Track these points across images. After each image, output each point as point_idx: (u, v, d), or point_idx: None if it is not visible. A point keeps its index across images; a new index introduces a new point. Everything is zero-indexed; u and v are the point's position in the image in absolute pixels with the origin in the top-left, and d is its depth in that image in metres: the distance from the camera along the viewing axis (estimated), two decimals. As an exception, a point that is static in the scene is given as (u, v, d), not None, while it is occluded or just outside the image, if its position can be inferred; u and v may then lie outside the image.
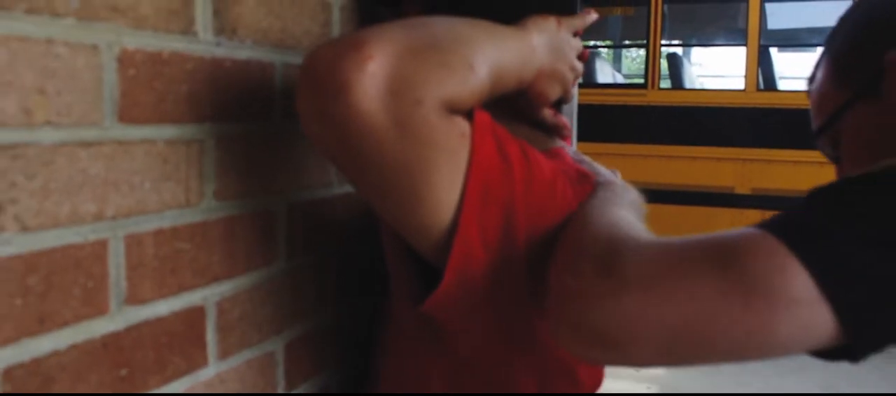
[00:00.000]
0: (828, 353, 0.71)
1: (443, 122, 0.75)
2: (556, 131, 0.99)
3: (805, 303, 0.65)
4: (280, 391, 0.97)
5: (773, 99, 6.73)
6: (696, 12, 7.75)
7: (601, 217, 0.81)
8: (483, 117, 0.81)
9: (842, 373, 5.15)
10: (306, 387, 1.01)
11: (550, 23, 0.91)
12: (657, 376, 5.26)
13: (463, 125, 0.78)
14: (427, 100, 0.73)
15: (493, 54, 0.81)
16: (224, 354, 0.86)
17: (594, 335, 0.69)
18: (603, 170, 1.01)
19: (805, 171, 6.42)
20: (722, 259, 0.67)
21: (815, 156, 6.41)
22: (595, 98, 6.72)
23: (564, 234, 0.81)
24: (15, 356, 0.63)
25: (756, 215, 6.50)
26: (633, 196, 0.94)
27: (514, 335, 0.89)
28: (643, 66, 7.23)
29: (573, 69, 0.95)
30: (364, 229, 1.09)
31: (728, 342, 0.67)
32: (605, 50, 9.35)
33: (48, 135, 0.65)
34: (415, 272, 0.90)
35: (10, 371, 0.63)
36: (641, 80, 7.21)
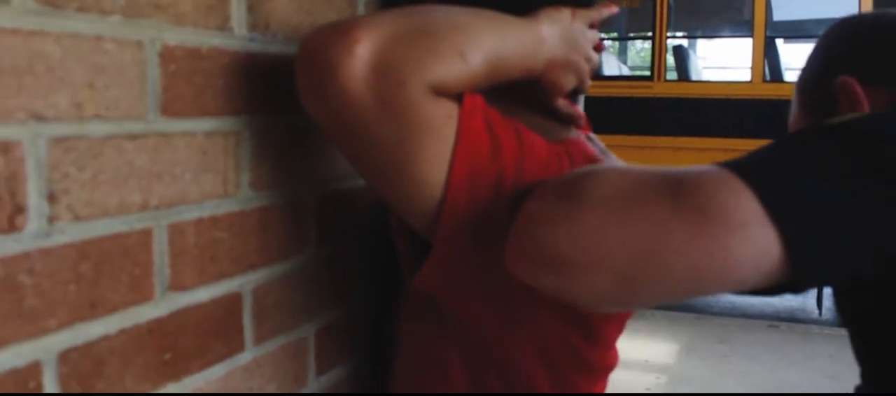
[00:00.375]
0: (773, 289, 0.72)
1: (427, 103, 0.79)
2: (571, 121, 1.01)
3: (754, 224, 0.66)
4: (311, 376, 0.99)
5: (780, 90, 6.73)
6: (702, 4, 7.76)
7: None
8: (473, 100, 0.84)
9: (847, 363, 5.17)
10: (336, 372, 1.04)
11: (564, 14, 0.94)
12: (667, 365, 5.28)
13: (449, 107, 0.81)
14: (410, 81, 0.77)
15: (491, 43, 0.84)
16: (259, 340, 0.89)
17: (549, 257, 0.70)
18: (621, 163, 1.02)
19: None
20: (678, 186, 0.68)
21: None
22: (601, 90, 6.73)
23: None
24: (70, 339, 0.66)
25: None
26: None
27: (508, 310, 0.91)
28: (649, 59, 7.25)
29: (588, 60, 0.97)
30: (386, 218, 1.11)
31: (684, 265, 0.67)
32: (610, 42, 9.36)
33: (97, 129, 0.67)
34: (414, 249, 0.93)
35: (65, 354, 0.66)
36: (648, 73, 7.23)
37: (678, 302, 0.74)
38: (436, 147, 0.81)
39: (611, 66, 7.78)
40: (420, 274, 0.87)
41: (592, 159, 0.97)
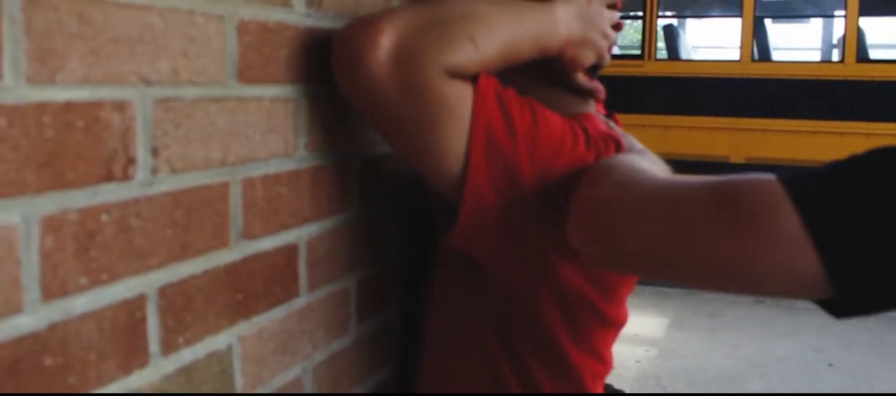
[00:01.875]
0: (824, 304, 0.73)
1: (443, 85, 0.90)
2: (592, 94, 1.10)
3: (789, 241, 0.69)
4: (352, 323, 1.09)
5: (768, 69, 6.86)
6: (692, -16, 7.85)
7: (628, 165, 0.93)
8: (486, 81, 0.95)
9: (833, 336, 5.32)
10: (373, 321, 1.14)
11: None
12: (656, 339, 5.41)
13: (463, 88, 0.92)
14: (426, 66, 0.89)
15: (503, 30, 0.95)
16: (312, 287, 0.99)
17: (598, 230, 0.84)
18: (639, 145, 1.11)
19: (798, 140, 6.56)
20: (722, 190, 0.75)
21: (807, 125, 6.56)
22: (593, 69, 6.81)
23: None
24: (167, 277, 0.76)
25: (751, 183, 6.63)
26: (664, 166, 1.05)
27: (533, 266, 1.01)
28: (640, 38, 7.34)
29: (606, 37, 1.07)
30: (419, 183, 1.21)
31: (710, 260, 0.74)
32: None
33: (190, 92, 0.77)
34: (445, 211, 1.03)
35: (163, 290, 0.75)
36: (638, 52, 7.33)
37: (706, 290, 0.82)
38: (452, 123, 0.92)
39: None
40: (452, 234, 0.98)
41: (606, 133, 1.04)
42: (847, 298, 0.70)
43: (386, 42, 0.88)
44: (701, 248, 0.75)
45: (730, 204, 0.73)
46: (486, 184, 0.94)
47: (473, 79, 0.94)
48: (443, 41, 0.90)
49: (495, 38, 0.94)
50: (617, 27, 1.10)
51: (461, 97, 0.92)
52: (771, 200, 0.71)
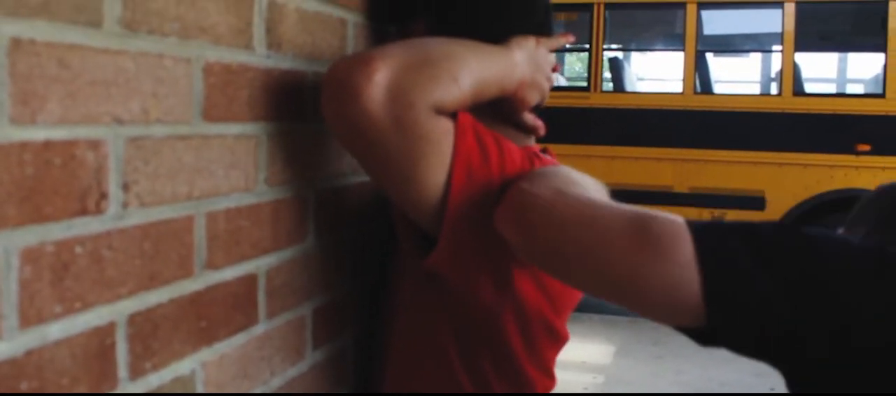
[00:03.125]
0: (691, 332, 0.85)
1: (430, 121, 0.97)
2: (535, 130, 1.20)
3: (681, 266, 0.80)
4: (308, 349, 1.13)
5: (710, 102, 7.04)
6: (636, 18, 8.03)
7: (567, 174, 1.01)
8: (465, 117, 1.03)
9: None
10: (328, 347, 1.18)
11: (530, 41, 1.14)
12: (603, 366, 5.50)
13: (447, 124, 1.00)
14: (418, 103, 0.96)
15: (476, 69, 1.03)
16: (270, 315, 1.03)
17: (528, 224, 0.92)
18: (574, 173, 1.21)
19: (739, 170, 6.74)
20: (638, 218, 0.85)
21: (748, 155, 6.74)
22: (540, 100, 6.92)
23: None
24: (135, 305, 0.80)
25: (694, 213, 6.80)
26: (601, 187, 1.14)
27: (500, 286, 1.08)
28: (586, 70, 7.49)
29: (549, 79, 1.17)
30: (373, 214, 1.26)
31: (613, 273, 0.85)
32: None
33: (158, 130, 0.81)
34: (416, 238, 1.10)
35: (132, 317, 0.79)
36: (584, 84, 7.47)
37: (599, 299, 0.92)
38: (436, 157, 0.99)
39: (549, 76, 7.98)
40: (430, 259, 1.04)
41: (549, 164, 1.14)
42: (715, 329, 0.82)
43: (381, 79, 0.93)
44: (608, 261, 0.85)
45: (641, 229, 0.83)
46: (465, 210, 1.01)
47: (452, 115, 1.01)
48: (431, 80, 0.97)
49: (470, 76, 1.01)
50: (554, 69, 1.19)
51: (446, 132, 0.99)
52: (674, 231, 0.82)
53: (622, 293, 0.87)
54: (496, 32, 1.12)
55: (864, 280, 0.82)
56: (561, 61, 10.49)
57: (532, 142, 1.22)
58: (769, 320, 0.80)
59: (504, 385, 1.13)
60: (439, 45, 1.04)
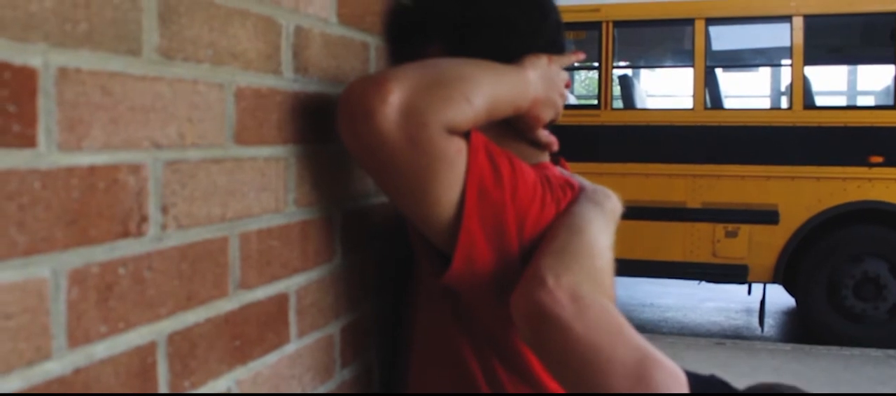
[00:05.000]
0: None
1: (443, 140, 0.99)
2: (548, 147, 1.22)
3: None
4: (336, 367, 1.15)
5: (720, 117, 7.05)
6: (645, 35, 8.06)
7: (589, 245, 1.04)
8: (478, 137, 1.05)
9: (790, 374, 5.44)
10: (356, 365, 1.20)
11: (542, 60, 1.17)
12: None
13: (460, 143, 1.02)
14: (431, 123, 0.98)
15: (489, 89, 1.06)
16: (301, 333, 1.05)
17: (535, 332, 0.97)
18: (587, 183, 1.23)
19: (751, 185, 6.74)
20: (644, 364, 0.91)
21: (759, 170, 6.75)
22: (551, 119, 6.94)
23: (554, 235, 1.05)
24: (174, 325, 0.82)
25: (707, 228, 6.80)
26: (612, 204, 1.16)
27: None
28: (596, 88, 7.51)
29: (562, 96, 1.19)
30: (395, 232, 1.28)
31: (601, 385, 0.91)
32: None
33: (194, 154, 0.84)
34: (432, 255, 1.12)
35: (171, 337, 0.81)
36: (595, 102, 7.49)
37: None
38: (450, 175, 1.01)
39: (559, 95, 8.00)
40: (446, 275, 1.06)
41: (562, 181, 1.17)
42: None
43: (395, 99, 0.96)
44: (600, 389, 0.91)
45: (644, 377, 0.89)
46: (478, 229, 1.03)
47: (465, 134, 1.03)
48: (444, 100, 0.99)
49: (483, 96, 1.03)
50: (566, 85, 1.21)
51: (458, 151, 1.01)
52: (675, 386, 0.89)
53: None
54: (509, 52, 1.15)
55: None
56: (570, 79, 10.55)
57: (545, 158, 1.25)
58: None
59: (521, 389, 1.14)
60: (453, 66, 1.07)
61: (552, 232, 1.06)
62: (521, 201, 1.06)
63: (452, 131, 1.01)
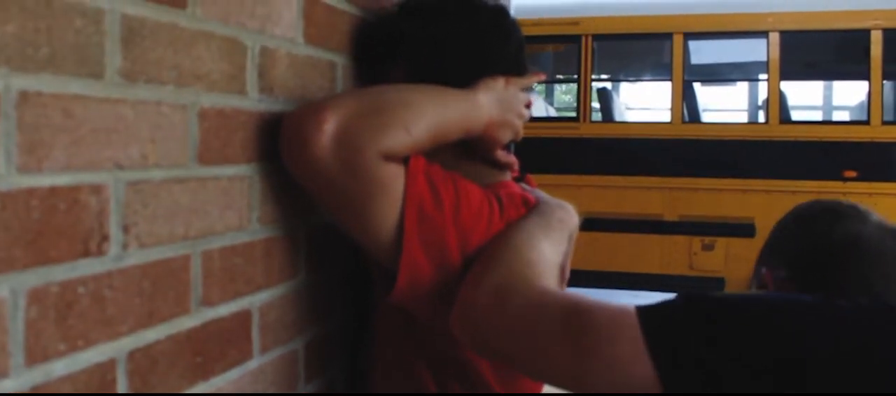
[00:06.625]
0: None
1: (379, 167, 1.02)
2: (507, 168, 1.24)
3: (628, 360, 0.86)
4: (301, 383, 1.17)
5: (697, 130, 7.11)
6: (624, 49, 8.11)
7: (516, 249, 1.06)
8: (417, 162, 1.07)
9: None
10: (320, 381, 1.22)
11: (499, 82, 1.19)
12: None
13: (396, 169, 1.04)
14: (365, 150, 1.01)
15: (433, 115, 1.08)
16: (264, 350, 1.07)
17: (473, 335, 0.99)
18: (547, 198, 1.24)
19: (728, 198, 6.80)
20: (573, 316, 0.91)
21: (737, 183, 6.81)
22: (530, 131, 6.92)
23: (485, 251, 1.08)
24: (135, 343, 0.83)
25: (684, 240, 6.85)
26: (560, 214, 1.18)
27: None
28: (575, 101, 7.56)
29: (520, 117, 1.21)
30: (360, 248, 1.30)
31: (553, 371, 0.92)
32: (538, 85, 9.69)
33: (157, 174, 0.85)
34: (383, 274, 1.13)
35: (132, 354, 0.83)
36: (574, 114, 7.54)
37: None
38: (387, 200, 1.04)
39: (538, 107, 8.06)
40: (391, 295, 1.08)
41: (519, 198, 1.19)
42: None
43: (330, 127, 0.98)
44: (546, 361, 0.92)
45: (577, 330, 0.89)
46: (419, 251, 1.05)
47: (405, 159, 1.05)
48: (379, 128, 1.01)
49: (426, 123, 1.06)
50: (527, 106, 1.23)
51: (394, 177, 1.03)
52: (615, 323, 0.88)
53: (578, 388, 0.92)
54: (470, 73, 1.17)
55: (812, 335, 0.87)
56: (550, 92, 10.60)
57: (507, 177, 1.27)
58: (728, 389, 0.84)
59: None
60: (395, 93, 1.10)
61: (488, 246, 1.08)
62: (464, 221, 1.08)
63: (389, 158, 1.03)
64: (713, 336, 0.86)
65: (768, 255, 1.22)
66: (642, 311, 0.88)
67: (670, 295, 0.93)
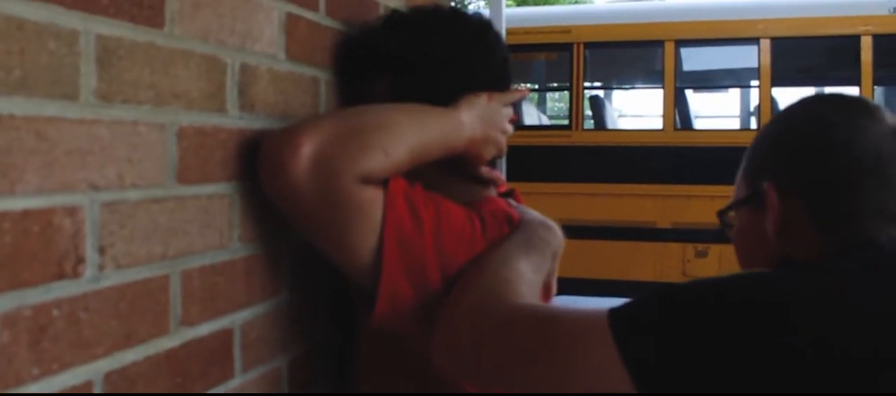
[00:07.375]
0: None
1: (357, 190, 1.01)
2: (492, 183, 1.24)
3: (601, 368, 0.83)
4: (285, 400, 1.16)
5: (690, 137, 7.12)
6: (616, 56, 8.12)
7: (493, 270, 1.04)
8: (397, 183, 1.06)
9: None
10: (305, 398, 1.21)
11: (481, 98, 1.17)
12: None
13: (375, 192, 1.04)
14: (342, 174, 1.00)
15: (412, 136, 1.07)
16: (246, 368, 1.06)
17: (453, 358, 0.98)
18: (533, 215, 1.23)
19: (720, 204, 6.78)
20: (545, 330, 0.89)
21: (729, 190, 6.79)
22: (522, 140, 6.98)
23: (465, 274, 1.06)
24: (111, 364, 0.83)
25: (677, 248, 6.85)
26: (541, 234, 1.17)
27: None
28: (568, 109, 7.57)
29: (504, 132, 1.21)
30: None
31: (534, 388, 0.90)
32: (530, 94, 9.70)
33: (133, 194, 0.85)
34: (364, 295, 1.12)
35: (108, 376, 0.82)
36: (566, 122, 7.54)
37: None
38: (365, 224, 1.03)
39: (531, 115, 8.07)
40: (374, 317, 1.07)
41: (503, 216, 1.17)
42: None
43: (306, 152, 0.98)
44: (524, 378, 0.91)
45: (548, 343, 0.88)
46: (399, 275, 1.04)
47: (384, 181, 1.04)
48: (357, 151, 1.00)
49: (405, 144, 1.05)
50: (511, 121, 1.22)
51: (373, 200, 1.02)
52: (585, 331, 0.86)
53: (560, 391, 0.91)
54: (454, 89, 1.16)
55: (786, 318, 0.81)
56: (542, 101, 10.61)
57: (492, 192, 1.26)
58: (704, 382, 0.81)
59: None
60: (373, 114, 1.09)
61: (468, 268, 1.07)
62: (445, 243, 1.07)
63: (367, 180, 1.02)
64: (689, 330, 0.82)
65: (770, 163, 1.05)
66: (614, 316, 0.85)
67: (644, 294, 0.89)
